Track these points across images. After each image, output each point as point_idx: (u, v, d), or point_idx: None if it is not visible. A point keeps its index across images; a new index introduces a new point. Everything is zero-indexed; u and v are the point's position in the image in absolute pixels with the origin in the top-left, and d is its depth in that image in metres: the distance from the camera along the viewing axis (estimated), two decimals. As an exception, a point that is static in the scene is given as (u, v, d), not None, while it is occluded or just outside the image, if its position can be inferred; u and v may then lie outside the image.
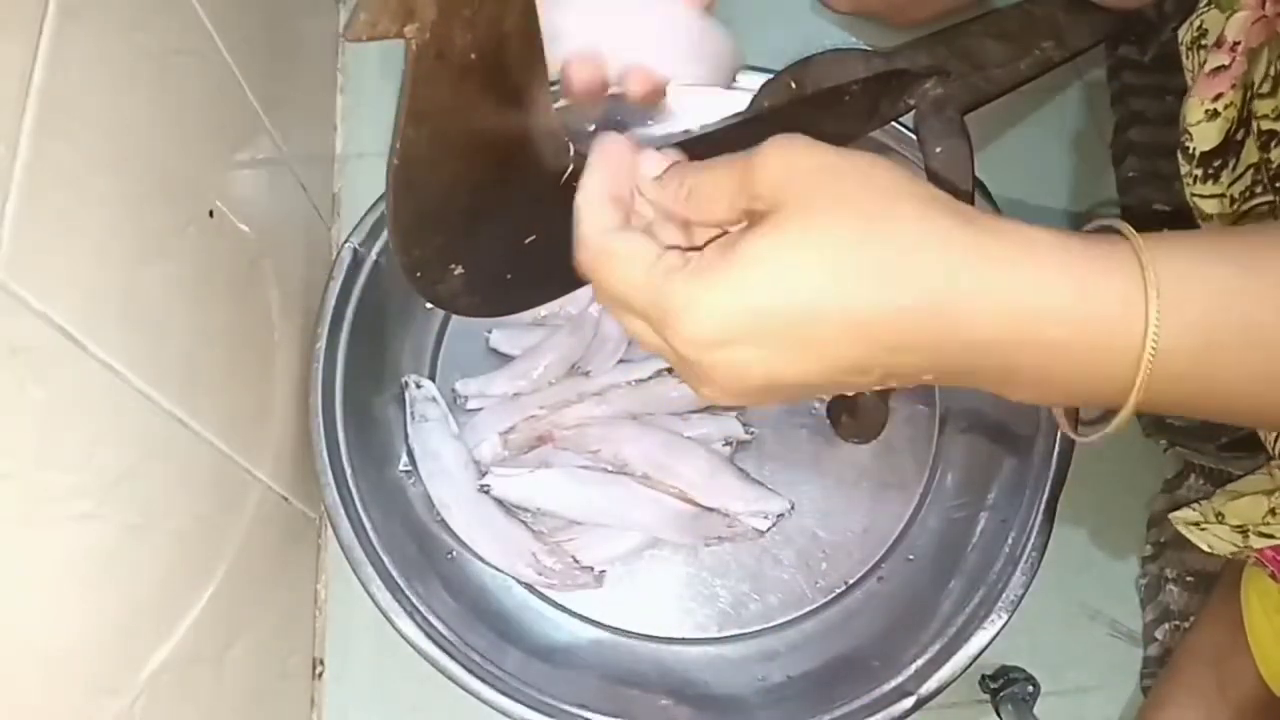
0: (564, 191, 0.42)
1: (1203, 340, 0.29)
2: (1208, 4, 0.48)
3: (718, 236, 0.34)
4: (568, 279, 0.48)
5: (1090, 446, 0.36)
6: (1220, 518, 0.49)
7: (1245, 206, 0.46)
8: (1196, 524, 0.50)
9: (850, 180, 0.31)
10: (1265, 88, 0.43)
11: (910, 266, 0.29)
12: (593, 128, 0.64)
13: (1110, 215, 0.33)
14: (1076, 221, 0.74)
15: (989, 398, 0.64)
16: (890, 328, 0.30)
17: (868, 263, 0.29)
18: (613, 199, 0.36)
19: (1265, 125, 0.42)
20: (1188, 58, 0.49)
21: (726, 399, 0.33)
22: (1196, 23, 0.49)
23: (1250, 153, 0.45)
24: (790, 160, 0.31)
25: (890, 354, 0.30)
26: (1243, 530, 0.48)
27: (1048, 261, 0.30)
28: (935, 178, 0.48)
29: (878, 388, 0.33)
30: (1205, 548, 0.49)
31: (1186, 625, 0.62)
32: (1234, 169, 0.46)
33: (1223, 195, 0.47)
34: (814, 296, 0.29)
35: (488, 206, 0.40)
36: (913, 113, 0.49)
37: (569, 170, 0.42)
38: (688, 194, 0.34)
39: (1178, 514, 0.51)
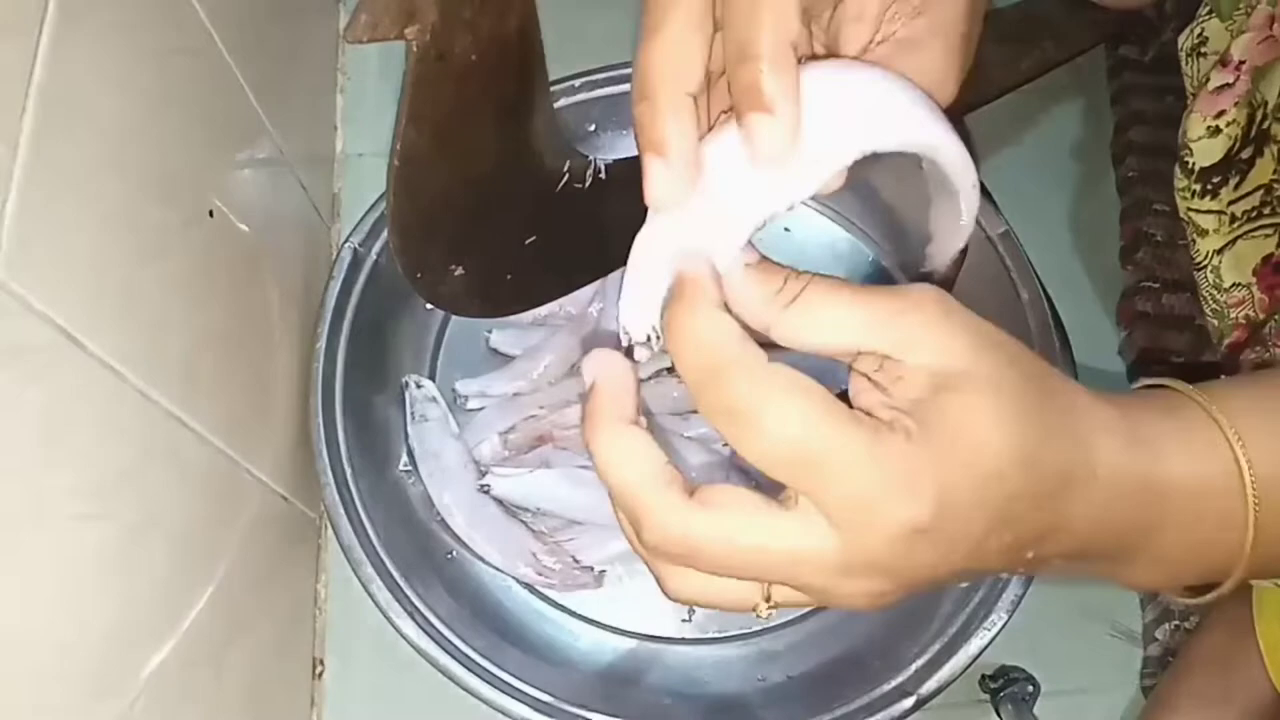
0: (564, 192, 0.42)
1: None
2: (1208, 12, 0.48)
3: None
4: (568, 278, 0.48)
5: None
6: None
7: (1247, 227, 0.46)
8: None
9: (1017, 362, 0.29)
10: None
11: (1081, 445, 0.29)
12: (592, 127, 0.65)
13: (1158, 377, 0.33)
14: (1079, 228, 0.74)
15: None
16: (1058, 500, 0.28)
17: (1050, 455, 0.28)
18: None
19: None
20: (1187, 64, 0.49)
21: (889, 597, 0.28)
22: (1197, 30, 0.49)
23: (1262, 173, 0.45)
24: (953, 325, 0.28)
25: (1046, 529, 0.28)
26: None
27: (1158, 425, 0.30)
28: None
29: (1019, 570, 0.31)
30: None
31: (1187, 625, 0.62)
32: (1237, 187, 0.46)
33: (1222, 212, 0.47)
34: (1016, 489, 0.27)
35: (488, 208, 0.40)
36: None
37: (569, 171, 0.42)
38: (790, 302, 0.28)
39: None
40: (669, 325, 0.28)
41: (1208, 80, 0.47)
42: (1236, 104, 0.46)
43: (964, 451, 0.26)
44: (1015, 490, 0.27)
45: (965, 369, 0.27)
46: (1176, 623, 0.62)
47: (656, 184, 0.29)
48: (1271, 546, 0.30)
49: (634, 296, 0.30)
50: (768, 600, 0.29)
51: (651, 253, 0.30)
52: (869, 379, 0.28)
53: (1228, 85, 0.46)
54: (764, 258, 0.29)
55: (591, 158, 0.44)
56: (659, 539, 0.28)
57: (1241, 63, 0.45)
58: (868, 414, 0.27)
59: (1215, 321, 0.51)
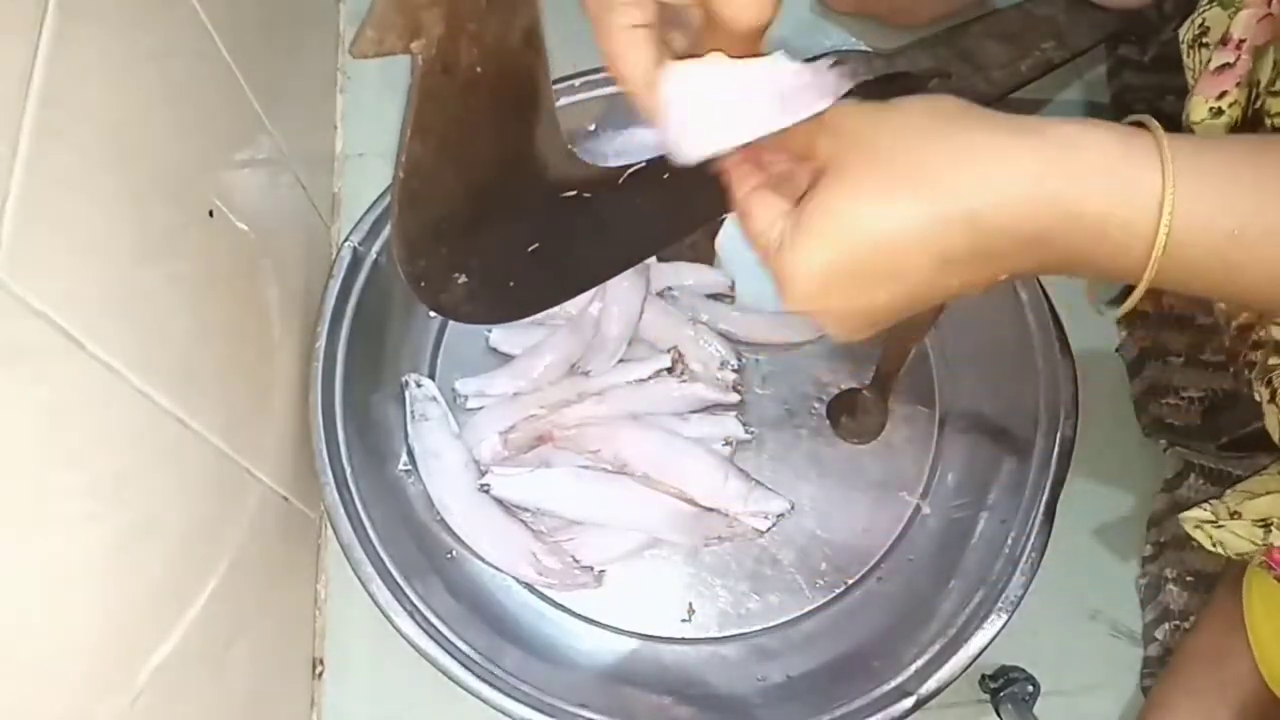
0: (567, 200, 0.42)
1: (1217, 231, 0.32)
2: (1209, 2, 0.48)
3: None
4: (571, 285, 0.48)
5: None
6: (1236, 515, 0.49)
7: None
8: (1210, 522, 0.49)
9: (886, 128, 0.34)
10: (1278, 85, 0.43)
11: (952, 179, 0.33)
12: (593, 127, 0.65)
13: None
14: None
15: (989, 398, 0.64)
16: (949, 237, 0.33)
17: (911, 187, 0.33)
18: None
19: (1278, 124, 0.43)
20: (1189, 56, 0.49)
21: (850, 336, 0.37)
22: (1198, 20, 0.49)
23: None
24: (836, 122, 0.35)
25: (953, 248, 0.33)
26: (1265, 524, 0.48)
27: (1088, 154, 0.32)
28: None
29: (958, 292, 0.36)
30: (1211, 546, 0.49)
31: (1186, 625, 0.62)
32: None
33: None
34: (875, 235, 0.33)
35: (491, 216, 0.40)
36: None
37: (571, 179, 0.42)
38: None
39: (1187, 514, 0.51)
40: None
41: (1209, 61, 0.46)
42: (1238, 84, 0.46)
43: (832, 234, 0.34)
44: (883, 249, 0.34)
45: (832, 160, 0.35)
46: (1176, 623, 0.62)
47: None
48: (1183, 277, 0.33)
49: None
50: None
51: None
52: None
53: (1229, 65, 0.46)
54: None
55: (592, 165, 0.44)
56: (797, 293, 0.36)
57: (1241, 41, 0.45)
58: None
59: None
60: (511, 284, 0.44)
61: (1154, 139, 0.32)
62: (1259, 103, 0.44)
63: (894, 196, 0.33)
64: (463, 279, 0.41)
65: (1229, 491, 0.51)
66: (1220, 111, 0.47)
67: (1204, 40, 0.49)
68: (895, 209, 0.33)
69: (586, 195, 0.42)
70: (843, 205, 0.34)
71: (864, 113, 0.35)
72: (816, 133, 0.35)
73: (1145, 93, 0.73)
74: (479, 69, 0.34)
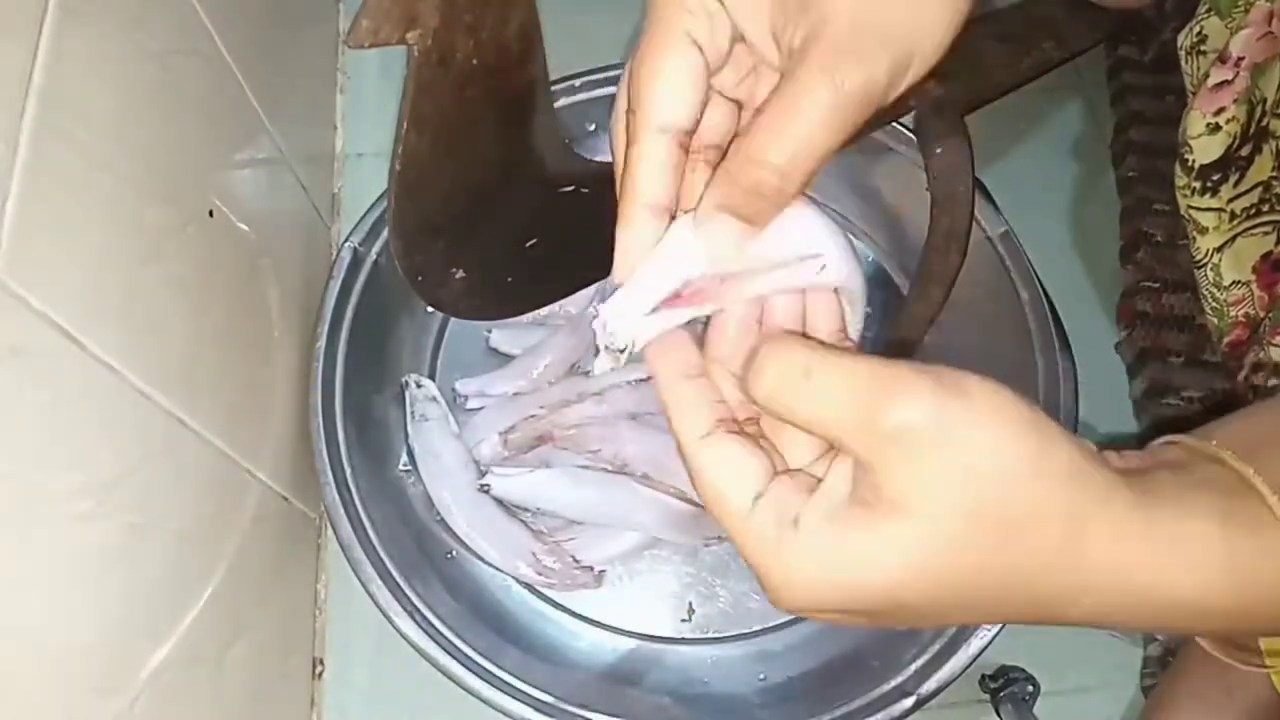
0: (565, 195, 0.42)
1: None
2: (1207, 10, 0.48)
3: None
4: (568, 281, 0.48)
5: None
6: None
7: (1246, 225, 0.46)
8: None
9: (989, 492, 0.26)
10: None
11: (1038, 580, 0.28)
12: (592, 127, 0.65)
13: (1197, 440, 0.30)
14: (1079, 228, 0.74)
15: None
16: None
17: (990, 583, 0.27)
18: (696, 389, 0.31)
19: None
20: (1186, 63, 0.49)
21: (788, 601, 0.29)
22: (1196, 29, 0.49)
23: (1261, 170, 0.45)
24: (939, 451, 0.26)
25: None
26: None
27: (1200, 561, 0.27)
28: (935, 178, 0.48)
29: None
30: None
31: (1186, 625, 0.62)
32: (1236, 184, 0.46)
33: (1221, 210, 0.47)
34: (928, 606, 0.27)
35: (489, 210, 0.40)
36: (913, 113, 0.49)
37: (570, 174, 0.42)
38: (783, 370, 0.28)
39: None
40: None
41: (1207, 77, 0.47)
42: (1236, 101, 0.46)
43: (880, 586, 0.27)
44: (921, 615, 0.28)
45: (914, 502, 0.26)
46: (1176, 623, 0.62)
47: (620, 260, 0.32)
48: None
49: (627, 306, 0.32)
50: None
51: (657, 269, 0.31)
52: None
53: (1227, 82, 0.46)
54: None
55: (591, 160, 0.44)
56: (790, 598, 0.28)
57: (1240, 59, 0.45)
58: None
59: (1215, 320, 0.51)
60: (510, 280, 0.44)
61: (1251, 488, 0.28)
62: (1264, 121, 0.44)
63: (978, 594, 0.27)
64: (460, 274, 0.41)
65: None
66: (1218, 128, 0.47)
67: (1202, 48, 0.49)
68: (979, 601, 0.27)
69: (585, 191, 0.42)
70: (909, 576, 0.26)
71: (944, 436, 0.25)
72: (866, 420, 0.26)
73: (1145, 93, 0.73)
74: (475, 61, 0.34)
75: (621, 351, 0.31)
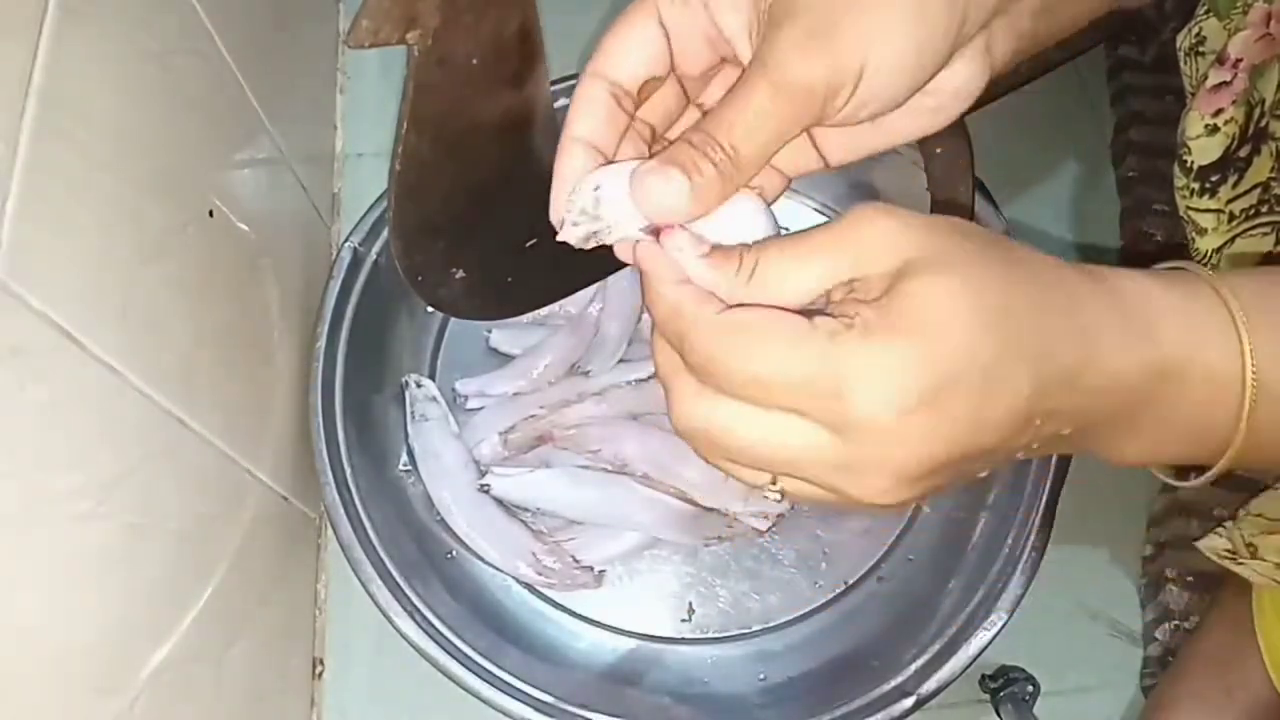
0: None
1: None
2: (1206, 11, 0.48)
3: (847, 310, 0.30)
4: (568, 281, 0.48)
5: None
6: (1253, 550, 0.48)
7: (1245, 226, 0.46)
8: (1231, 556, 0.49)
9: (961, 235, 0.29)
10: None
11: (1064, 307, 0.29)
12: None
13: (1178, 260, 0.33)
14: (1079, 228, 0.74)
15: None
16: (1054, 382, 0.29)
17: (1029, 320, 0.28)
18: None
19: None
20: (1185, 63, 0.49)
21: (898, 492, 0.29)
22: (1195, 29, 0.49)
23: (1259, 171, 0.45)
24: (897, 221, 0.29)
25: (1054, 408, 0.29)
26: None
27: (1162, 306, 0.30)
28: (935, 179, 0.48)
29: (1015, 457, 0.31)
30: (1238, 571, 0.49)
31: (1187, 625, 0.62)
32: (1235, 185, 0.46)
33: (1220, 211, 0.47)
34: (995, 351, 0.27)
35: (489, 210, 0.40)
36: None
37: None
38: (750, 276, 0.30)
39: (1207, 544, 0.50)
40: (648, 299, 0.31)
41: (1206, 78, 0.47)
42: (1234, 102, 0.46)
43: (929, 329, 0.27)
44: (994, 358, 0.27)
45: (919, 255, 0.28)
46: (1176, 623, 0.62)
47: (554, 188, 0.33)
48: (1262, 435, 0.31)
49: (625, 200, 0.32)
50: (774, 483, 0.31)
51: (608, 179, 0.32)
52: (852, 305, 0.29)
53: (1225, 83, 0.46)
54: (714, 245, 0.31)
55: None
56: (879, 394, 0.28)
57: (1239, 60, 0.45)
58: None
59: None
60: (510, 280, 0.44)
61: (1207, 285, 0.31)
62: (1263, 122, 0.44)
63: (1024, 328, 0.28)
64: (460, 274, 0.41)
65: (1244, 516, 0.50)
66: (1216, 129, 0.47)
67: (1200, 49, 0.49)
68: (1024, 342, 0.28)
69: None
70: (963, 312, 0.27)
71: (919, 216, 0.29)
72: (865, 229, 0.29)
73: (1145, 93, 0.73)
74: (475, 61, 0.34)
75: (591, 230, 0.32)
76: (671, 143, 0.31)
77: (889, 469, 0.28)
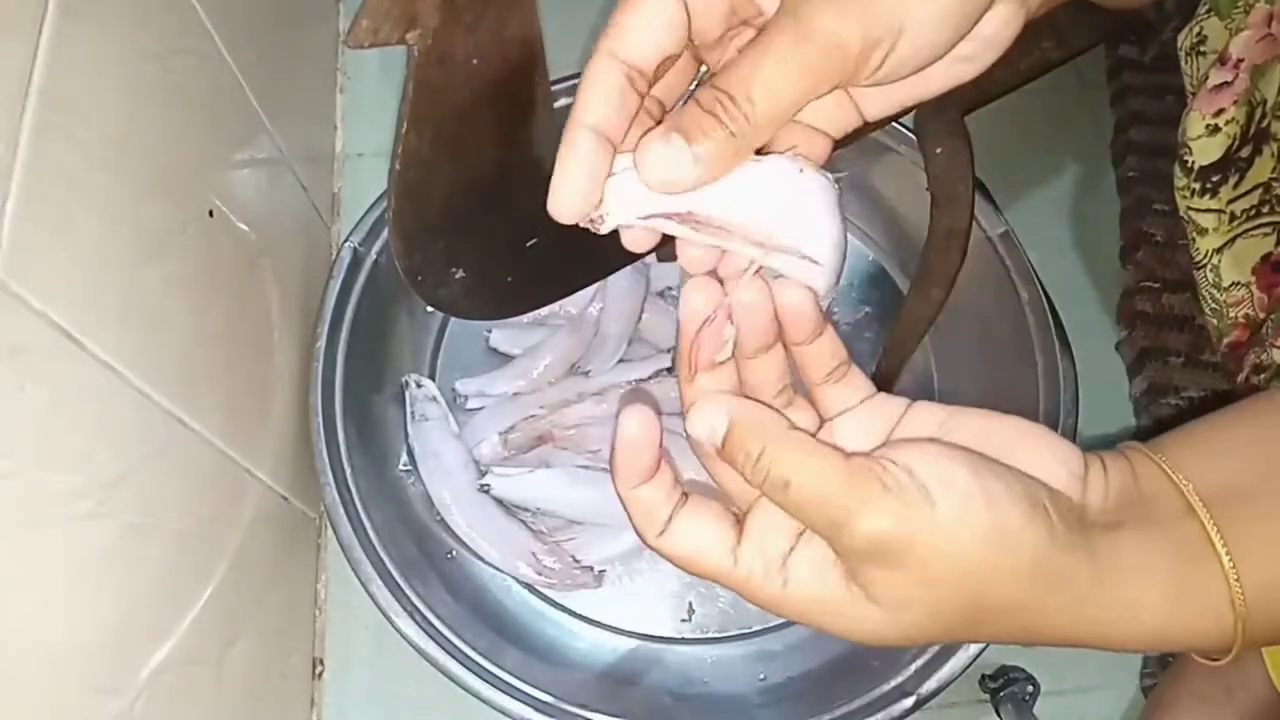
0: None
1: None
2: (1207, 11, 0.48)
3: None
4: (569, 281, 0.48)
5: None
6: None
7: (1246, 226, 0.46)
8: None
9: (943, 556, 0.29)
10: None
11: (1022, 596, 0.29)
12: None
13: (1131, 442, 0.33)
14: (1079, 228, 0.74)
15: (989, 398, 0.64)
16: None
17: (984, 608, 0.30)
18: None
19: None
20: (1186, 63, 0.49)
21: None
22: (1195, 29, 0.49)
23: (1261, 171, 0.45)
24: (905, 530, 0.28)
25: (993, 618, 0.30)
26: None
27: (1144, 575, 0.30)
28: (935, 178, 0.49)
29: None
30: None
31: (1186, 625, 0.62)
32: (1236, 186, 0.46)
33: (1221, 211, 0.47)
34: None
35: (489, 210, 0.40)
36: (913, 113, 0.49)
37: None
38: (765, 477, 0.30)
39: None
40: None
41: (1207, 78, 0.47)
42: (1235, 102, 0.46)
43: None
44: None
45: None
46: (1176, 623, 0.62)
47: (556, 180, 0.31)
48: (1258, 639, 0.30)
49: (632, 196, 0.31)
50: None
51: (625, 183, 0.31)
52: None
53: (1226, 83, 0.46)
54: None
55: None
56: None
57: (1240, 60, 0.45)
58: None
59: (1215, 321, 0.51)
60: (510, 279, 0.44)
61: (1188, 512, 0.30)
62: (1264, 122, 0.44)
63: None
64: (460, 274, 0.41)
65: None
66: (1217, 129, 0.47)
67: (1201, 49, 0.49)
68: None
69: None
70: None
71: (908, 548, 0.28)
72: (840, 523, 0.28)
73: (1145, 93, 0.73)
74: (475, 61, 0.34)
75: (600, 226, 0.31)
76: None
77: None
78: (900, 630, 0.30)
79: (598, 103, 0.30)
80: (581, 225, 0.32)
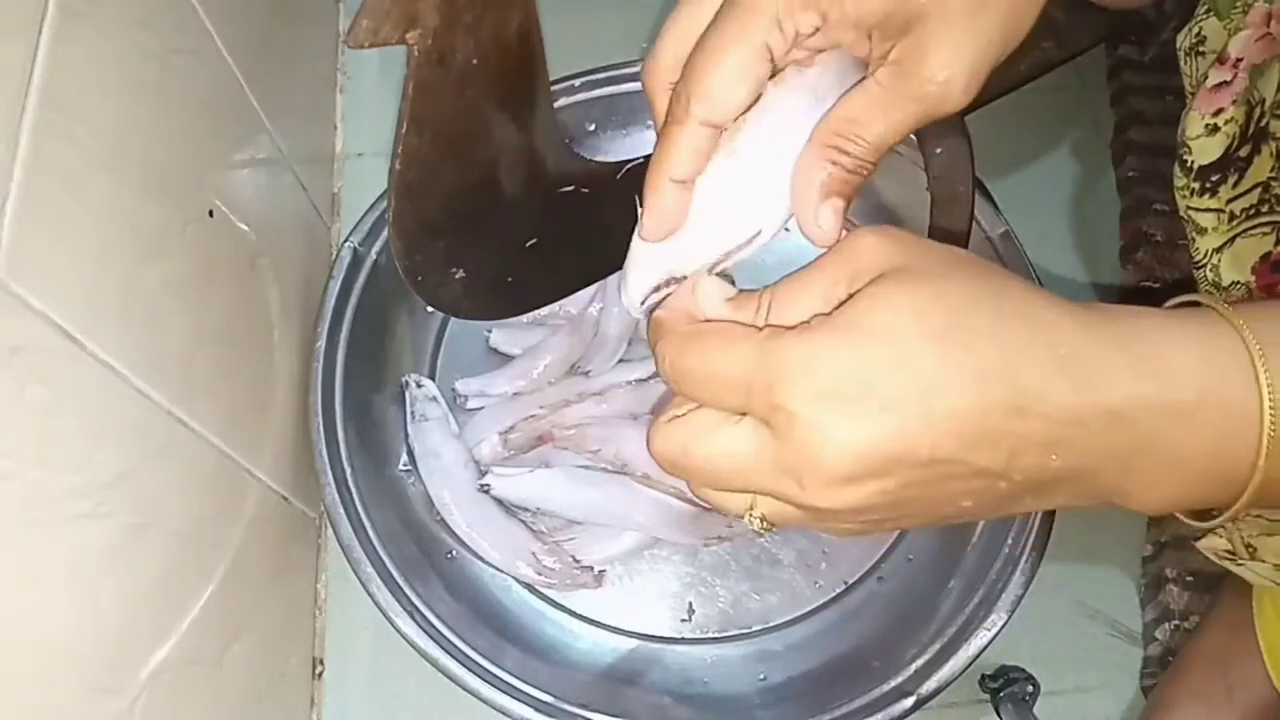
0: (564, 195, 0.42)
1: None
2: (1206, 11, 0.48)
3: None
4: (568, 281, 0.48)
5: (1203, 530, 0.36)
6: (1253, 551, 0.48)
7: (1245, 225, 0.46)
8: (1231, 557, 0.49)
9: (953, 256, 0.31)
10: None
11: (1038, 333, 0.29)
12: (593, 127, 0.65)
13: (1188, 294, 0.33)
14: (1079, 228, 0.74)
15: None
16: (1012, 406, 0.28)
17: (989, 327, 0.29)
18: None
19: None
20: (1185, 63, 0.49)
21: (839, 494, 0.29)
22: (1195, 29, 0.49)
23: (1260, 170, 0.45)
24: (889, 236, 0.30)
25: (1020, 430, 0.28)
26: None
27: (1174, 342, 0.30)
28: (935, 178, 0.48)
29: (1000, 507, 0.30)
30: (1237, 572, 0.49)
31: (1187, 625, 0.62)
32: (1235, 185, 0.46)
33: (1221, 210, 0.47)
34: (937, 357, 0.28)
35: (489, 210, 0.40)
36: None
37: (570, 174, 0.42)
38: (769, 307, 0.31)
39: (1207, 545, 0.50)
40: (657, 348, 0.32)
41: (1206, 78, 0.47)
42: (1234, 102, 0.46)
43: (864, 330, 0.28)
44: (933, 368, 0.28)
45: (894, 267, 0.29)
46: (1176, 623, 0.62)
47: (652, 221, 0.34)
48: None
49: (633, 281, 0.35)
50: (753, 509, 0.31)
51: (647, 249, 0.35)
52: None
53: (1225, 83, 0.46)
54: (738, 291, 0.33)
55: (590, 160, 0.44)
56: (811, 385, 0.29)
57: (1239, 60, 0.45)
58: None
59: None
60: (510, 279, 0.44)
61: (1222, 318, 0.30)
62: (1263, 122, 0.44)
63: (981, 334, 0.28)
64: (460, 274, 0.41)
65: (1245, 517, 0.50)
66: (1216, 129, 0.47)
67: (1200, 49, 0.49)
68: (980, 348, 0.28)
69: (585, 190, 0.42)
70: (908, 312, 0.28)
71: (918, 237, 0.31)
72: (863, 243, 0.30)
73: (1145, 93, 0.73)
74: (475, 61, 0.34)
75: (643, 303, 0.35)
76: None
77: (821, 466, 0.28)
78: (861, 369, 0.28)
79: (685, 163, 0.34)
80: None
